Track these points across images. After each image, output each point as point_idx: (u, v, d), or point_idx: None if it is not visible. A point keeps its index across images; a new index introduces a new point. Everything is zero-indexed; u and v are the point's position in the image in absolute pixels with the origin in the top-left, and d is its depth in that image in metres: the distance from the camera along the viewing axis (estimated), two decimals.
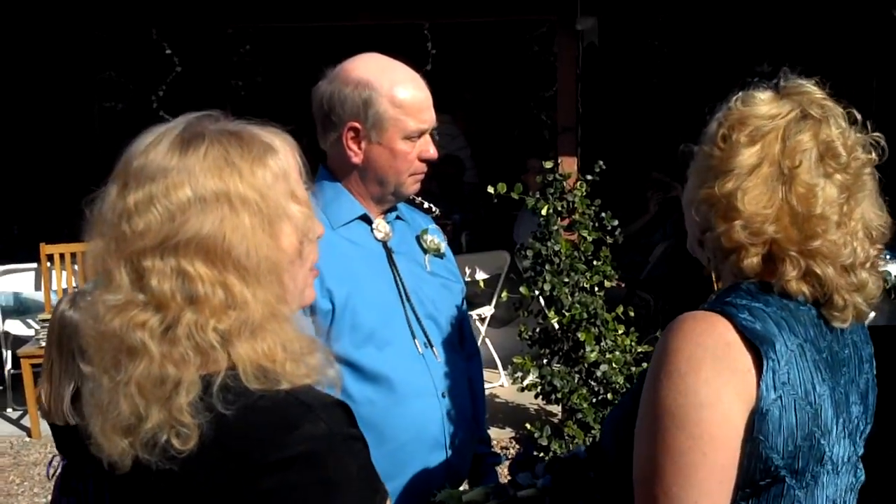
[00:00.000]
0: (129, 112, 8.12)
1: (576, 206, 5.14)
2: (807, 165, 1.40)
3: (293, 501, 1.20)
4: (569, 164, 5.56)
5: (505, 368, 6.19)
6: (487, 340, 6.31)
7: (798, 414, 1.33)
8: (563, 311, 4.97)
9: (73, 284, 6.19)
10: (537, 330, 5.18)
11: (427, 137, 2.13)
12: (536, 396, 5.13)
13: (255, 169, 1.28)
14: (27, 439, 5.85)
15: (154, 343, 1.22)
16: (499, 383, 6.31)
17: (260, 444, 1.20)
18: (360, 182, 2.14)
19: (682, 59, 8.17)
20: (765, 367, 1.31)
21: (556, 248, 5.04)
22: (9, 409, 6.25)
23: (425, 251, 2.28)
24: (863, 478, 1.48)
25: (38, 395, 5.39)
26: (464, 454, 2.22)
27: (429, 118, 2.11)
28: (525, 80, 8.35)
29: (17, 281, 6.36)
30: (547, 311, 5.06)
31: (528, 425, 5.02)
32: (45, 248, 6.15)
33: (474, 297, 6.19)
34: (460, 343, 2.32)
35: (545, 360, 5.14)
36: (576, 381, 4.96)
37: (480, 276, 6.21)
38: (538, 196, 5.11)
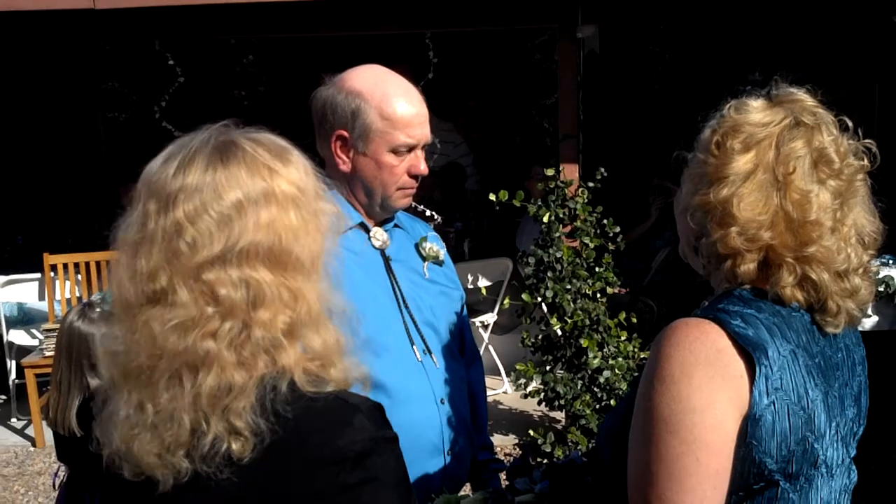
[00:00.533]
0: (132, 122, 8.15)
1: (577, 213, 5.16)
2: (801, 172, 1.41)
3: (344, 500, 1.23)
4: (570, 172, 5.57)
5: (508, 375, 6.20)
6: (490, 347, 6.32)
7: (791, 419, 1.34)
8: (566, 317, 4.98)
9: (77, 294, 6.21)
10: (540, 337, 5.19)
11: (418, 153, 2.13)
12: (539, 403, 5.14)
13: (288, 167, 1.32)
14: (31, 449, 5.87)
15: (225, 350, 1.24)
16: (502, 390, 6.31)
17: (313, 445, 1.24)
18: (351, 191, 2.15)
19: (683, 65, 8.18)
20: (757, 373, 1.32)
21: (558, 254, 5.06)
22: (13, 419, 6.26)
23: (424, 259, 2.29)
24: (856, 479, 1.50)
25: (43, 404, 5.40)
26: (462, 460, 2.23)
27: (419, 134, 2.10)
28: (526, 87, 8.36)
29: (20, 291, 6.38)
30: (549, 318, 5.07)
31: (531, 432, 5.02)
32: (49, 258, 6.17)
33: (477, 304, 6.20)
34: (460, 350, 2.33)
35: (548, 367, 5.15)
36: (579, 387, 4.96)
37: (483, 283, 6.23)
38: (540, 203, 5.12)
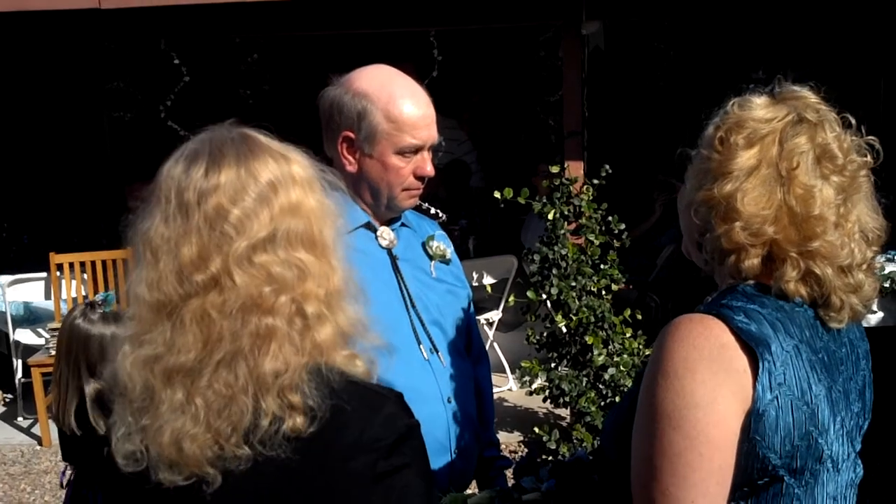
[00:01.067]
0: (137, 122, 8.16)
1: (582, 210, 5.15)
2: (804, 167, 1.42)
3: (381, 488, 1.26)
4: (575, 169, 5.56)
5: (513, 372, 6.20)
6: (495, 345, 6.32)
7: (794, 414, 1.34)
8: (571, 314, 4.98)
9: (83, 293, 6.22)
10: (545, 334, 5.19)
11: (425, 154, 2.13)
12: (545, 400, 5.14)
13: (297, 155, 1.39)
14: (38, 448, 5.88)
15: (282, 324, 1.27)
16: (507, 387, 6.32)
17: (352, 430, 1.26)
18: (357, 191, 2.16)
19: (688, 62, 8.17)
20: (760, 369, 1.32)
21: (563, 252, 5.06)
22: (19, 418, 6.28)
23: (431, 257, 2.29)
24: (862, 473, 1.50)
25: (49, 403, 5.41)
26: (469, 458, 2.24)
27: (425, 136, 2.11)
28: (531, 84, 8.35)
29: (27, 290, 6.39)
30: (554, 315, 5.07)
31: (536, 429, 5.03)
32: (55, 258, 6.18)
33: (482, 301, 6.20)
34: (467, 348, 2.33)
35: (553, 364, 5.15)
36: (584, 384, 4.96)
37: (488, 280, 6.23)
38: (545, 200, 5.12)
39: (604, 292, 5.11)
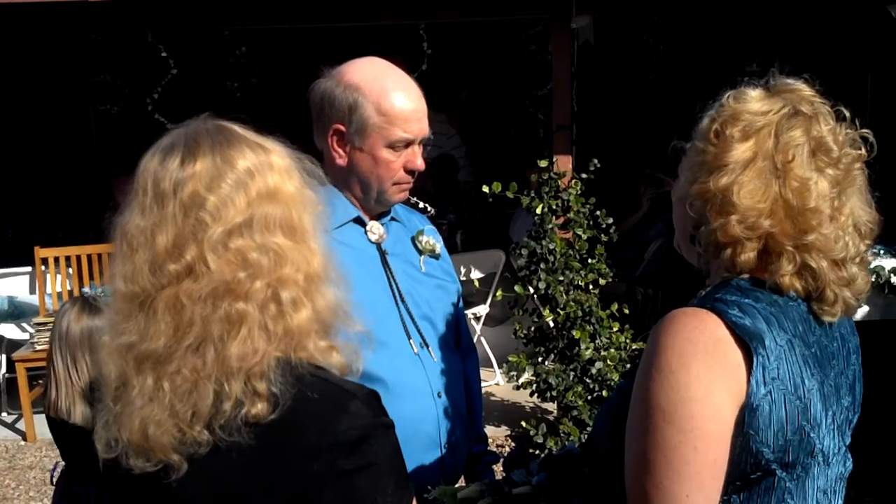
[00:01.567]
0: (124, 115, 8.12)
1: (570, 204, 5.16)
2: (800, 160, 1.42)
3: (342, 486, 1.26)
4: (564, 163, 5.56)
5: (500, 367, 6.20)
6: (483, 339, 6.32)
7: (788, 408, 1.34)
8: (558, 309, 4.98)
9: (68, 288, 6.19)
10: (532, 328, 5.20)
11: (415, 148, 2.12)
12: (532, 394, 5.14)
13: (274, 145, 1.40)
14: (22, 443, 5.85)
15: (253, 310, 1.28)
16: (494, 382, 6.32)
17: (313, 427, 1.27)
18: (347, 185, 2.14)
19: (677, 56, 8.18)
20: (754, 363, 1.32)
21: (551, 246, 5.06)
22: (3, 413, 6.25)
23: (420, 252, 2.28)
24: (851, 467, 1.50)
25: (35, 397, 5.38)
26: (459, 453, 2.23)
27: (416, 129, 2.09)
28: (520, 78, 8.35)
29: (11, 285, 6.36)
30: (542, 310, 5.07)
31: (523, 423, 5.03)
32: (40, 252, 6.15)
33: (469, 296, 6.20)
34: (456, 343, 2.33)
35: (540, 359, 5.16)
36: (571, 378, 4.97)
37: (475, 275, 6.23)
38: (533, 195, 5.12)
39: (591, 286, 5.12)
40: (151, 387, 1.28)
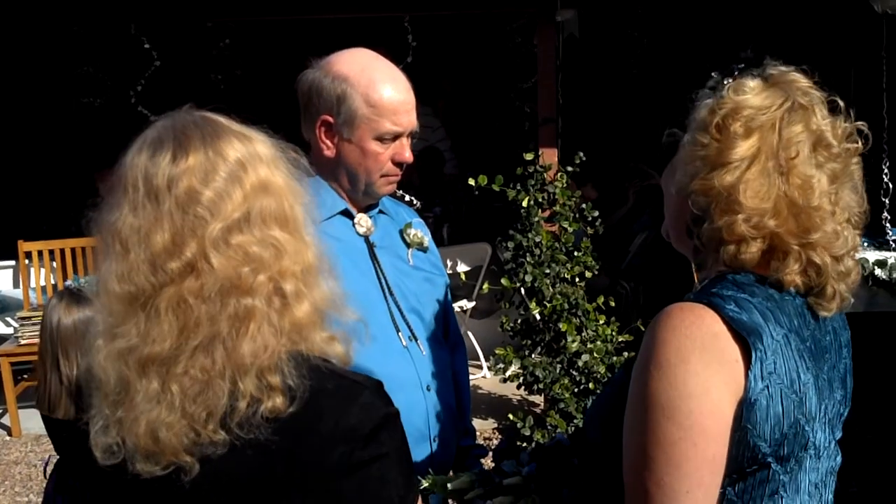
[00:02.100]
0: (107, 107, 8.06)
1: (556, 197, 5.16)
2: (803, 156, 1.40)
3: (358, 476, 1.26)
4: (549, 156, 5.57)
5: (487, 360, 6.21)
6: (469, 332, 6.33)
7: (784, 402, 1.34)
8: (545, 301, 4.99)
9: (53, 282, 6.15)
10: (519, 321, 5.20)
11: (403, 140, 2.11)
12: (518, 387, 5.15)
13: (257, 135, 1.38)
14: (7, 438, 5.82)
15: (263, 305, 1.26)
16: (481, 375, 6.33)
17: (328, 418, 1.26)
18: (334, 176, 2.13)
19: (662, 49, 8.20)
20: (753, 358, 1.32)
21: (537, 239, 5.06)
22: None
23: (408, 245, 2.28)
24: (840, 460, 1.50)
25: (19, 392, 5.34)
26: (448, 446, 2.23)
27: (405, 122, 2.08)
28: (505, 71, 8.35)
29: None
30: (528, 302, 5.08)
31: (510, 416, 5.04)
32: (24, 246, 6.11)
33: (456, 289, 6.20)
34: (444, 336, 2.33)
35: (527, 351, 5.17)
36: (557, 371, 4.98)
37: (462, 268, 6.23)
38: (519, 188, 5.12)
39: (577, 279, 5.13)
40: (158, 390, 1.25)
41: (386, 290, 2.15)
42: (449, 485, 1.80)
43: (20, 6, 5.91)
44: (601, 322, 5.05)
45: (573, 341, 4.91)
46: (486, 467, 2.32)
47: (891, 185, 5.65)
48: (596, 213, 5.21)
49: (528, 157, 5.17)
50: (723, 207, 1.41)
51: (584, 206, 5.20)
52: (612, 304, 5.16)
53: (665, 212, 1.59)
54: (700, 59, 7.14)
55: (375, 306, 2.12)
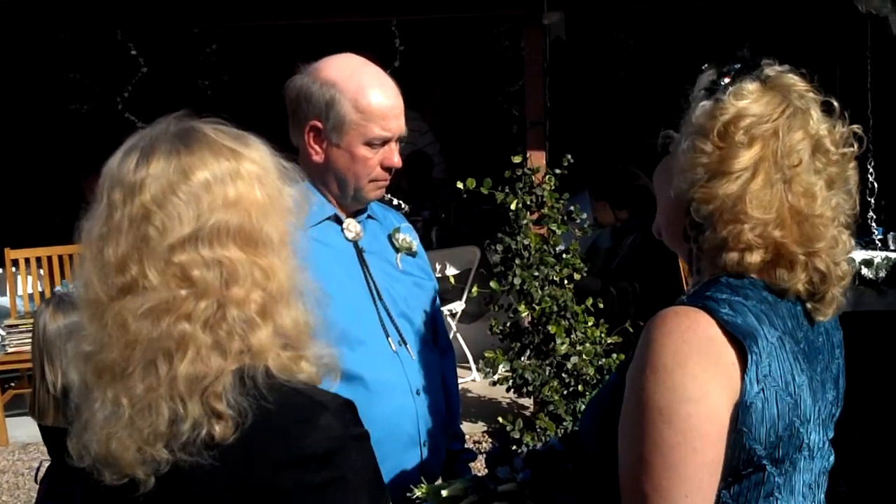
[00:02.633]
0: (94, 114, 8.04)
1: (545, 199, 5.17)
2: (805, 164, 1.39)
3: (310, 500, 1.22)
4: (537, 159, 5.57)
5: (476, 363, 6.21)
6: (458, 336, 6.32)
7: (779, 405, 1.34)
8: (534, 304, 4.99)
9: (40, 289, 6.12)
10: (508, 324, 5.21)
11: (392, 145, 2.11)
12: (508, 390, 5.15)
13: (249, 148, 1.33)
14: None
15: (200, 331, 1.22)
16: (470, 378, 6.32)
17: (278, 442, 1.22)
18: (323, 182, 2.13)
19: (648, 52, 8.22)
20: (749, 361, 1.32)
21: (526, 242, 5.07)
22: None
23: (397, 250, 2.28)
24: (833, 460, 1.51)
25: (8, 399, 5.31)
26: (438, 451, 2.23)
27: (394, 127, 2.08)
28: (492, 74, 8.37)
29: None
30: (517, 305, 5.08)
31: (500, 419, 5.04)
32: (10, 253, 6.08)
33: (445, 292, 6.20)
34: (434, 340, 2.33)
35: (516, 352, 5.17)
36: (547, 373, 4.99)
37: (451, 271, 6.23)
38: (507, 190, 5.13)
39: (566, 282, 5.14)
40: (112, 400, 1.24)
41: (375, 295, 2.15)
42: (443, 492, 1.80)
43: (5, 13, 5.88)
44: (590, 324, 5.06)
45: (562, 344, 4.92)
46: (476, 471, 2.32)
47: (877, 185, 5.69)
48: (584, 216, 5.22)
49: (517, 159, 5.17)
50: (727, 217, 1.39)
51: (572, 208, 5.21)
52: (601, 305, 5.16)
53: (659, 213, 1.57)
54: (686, 60, 7.16)
55: (365, 311, 2.12)
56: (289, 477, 1.21)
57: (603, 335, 5.04)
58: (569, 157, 5.14)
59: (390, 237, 2.28)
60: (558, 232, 5.14)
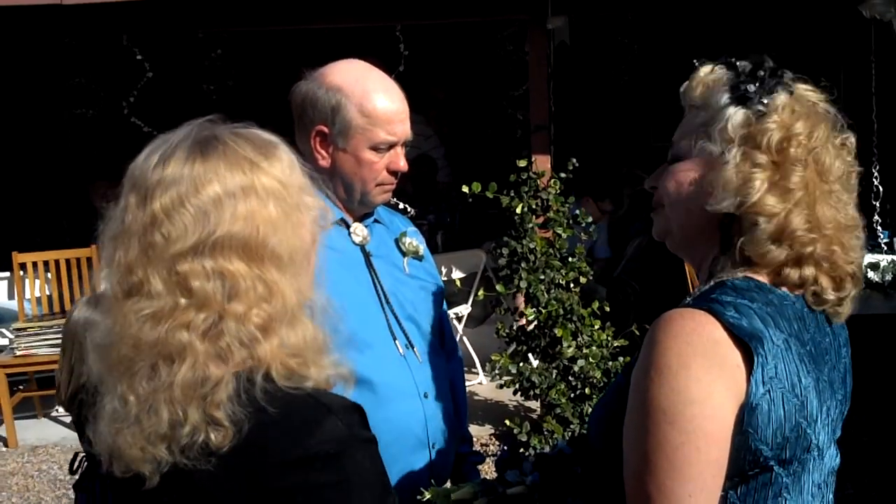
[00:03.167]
0: (99, 118, 8.07)
1: (550, 203, 5.18)
2: (843, 179, 1.44)
3: (313, 500, 1.23)
4: (542, 163, 5.59)
5: (483, 366, 6.22)
6: (465, 339, 6.33)
7: (786, 406, 1.35)
8: (540, 307, 5.00)
9: (47, 293, 6.14)
10: (514, 327, 5.22)
11: (398, 149, 2.12)
12: (515, 393, 5.16)
13: (272, 162, 1.32)
14: (3, 449, 5.80)
15: (199, 342, 1.23)
16: (477, 381, 6.33)
17: (282, 442, 1.23)
18: (330, 186, 2.14)
19: (652, 56, 8.23)
20: (755, 363, 1.32)
21: (532, 245, 5.08)
22: None
23: (404, 254, 2.29)
24: (839, 460, 1.52)
25: (19, 401, 5.32)
26: (447, 454, 2.24)
27: (400, 131, 2.10)
28: (497, 79, 8.37)
29: None
30: (523, 308, 5.09)
31: (507, 422, 5.05)
32: (18, 257, 6.10)
33: (451, 296, 6.20)
34: (441, 344, 2.34)
35: (523, 354, 5.18)
36: (553, 376, 4.99)
37: (457, 275, 6.24)
38: (512, 195, 5.14)
39: (572, 285, 5.14)
40: (121, 396, 1.26)
41: (382, 299, 2.16)
42: (452, 496, 1.80)
43: (12, 18, 5.90)
44: (596, 327, 5.07)
45: (569, 347, 4.93)
46: (484, 474, 2.32)
47: (881, 189, 5.69)
48: (590, 219, 5.23)
49: (522, 163, 5.18)
50: (769, 234, 1.40)
51: (578, 211, 5.22)
52: (607, 308, 5.17)
53: (677, 219, 1.54)
54: (690, 65, 7.16)
55: (372, 315, 2.13)
56: (293, 476, 1.22)
57: (609, 338, 5.04)
58: (574, 160, 5.15)
59: (397, 241, 2.30)
60: (564, 235, 5.15)
